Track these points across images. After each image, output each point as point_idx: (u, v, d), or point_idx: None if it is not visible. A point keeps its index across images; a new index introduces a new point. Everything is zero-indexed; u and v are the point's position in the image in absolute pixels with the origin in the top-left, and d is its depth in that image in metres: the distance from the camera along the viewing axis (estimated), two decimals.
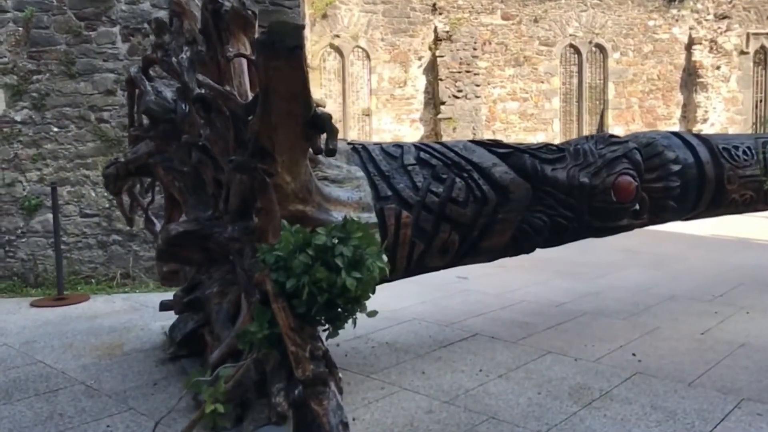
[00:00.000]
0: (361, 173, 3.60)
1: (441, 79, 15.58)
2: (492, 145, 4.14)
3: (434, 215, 3.74)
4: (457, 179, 3.85)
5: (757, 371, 3.97)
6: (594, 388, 3.71)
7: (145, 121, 3.96)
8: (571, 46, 16.62)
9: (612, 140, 4.48)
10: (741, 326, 4.96)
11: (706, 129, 16.38)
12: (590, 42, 16.58)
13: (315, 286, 2.26)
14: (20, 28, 6.26)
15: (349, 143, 3.84)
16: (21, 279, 6.45)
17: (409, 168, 3.78)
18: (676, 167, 4.54)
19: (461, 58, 15.68)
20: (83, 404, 3.49)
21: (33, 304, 5.80)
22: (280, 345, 2.38)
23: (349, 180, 3.51)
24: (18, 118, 6.35)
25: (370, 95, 16.11)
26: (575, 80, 16.84)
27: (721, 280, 6.71)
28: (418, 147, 3.96)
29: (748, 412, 3.37)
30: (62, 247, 6.17)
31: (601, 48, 16.70)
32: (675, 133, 4.89)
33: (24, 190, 6.43)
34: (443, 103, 15.61)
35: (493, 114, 16.45)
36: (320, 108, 2.45)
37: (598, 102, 16.99)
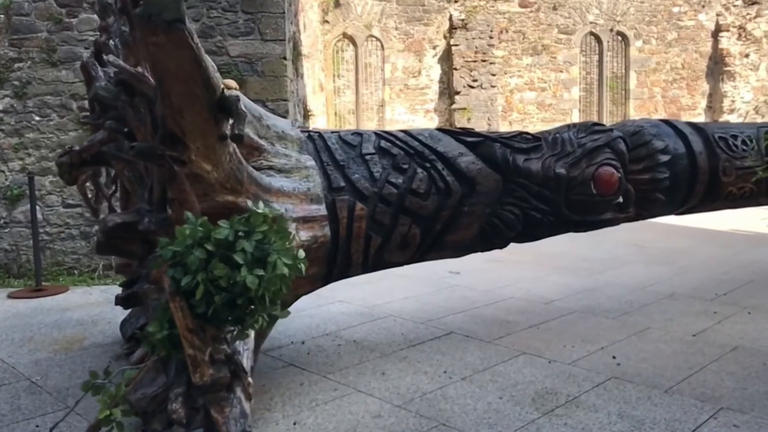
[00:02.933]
0: (311, 162, 3.40)
1: (456, 69, 15.29)
2: (461, 134, 3.91)
3: (392, 208, 3.53)
4: (419, 170, 3.63)
5: (744, 378, 3.68)
6: (561, 394, 3.47)
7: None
8: (592, 34, 16.15)
9: (595, 129, 4.20)
10: (738, 328, 4.65)
11: (732, 119, 15.78)
12: (611, 30, 16.08)
13: (213, 284, 2.08)
14: (1, 15, 6.20)
15: (303, 131, 3.64)
16: (4, 270, 6.42)
17: (367, 157, 3.58)
18: (664, 157, 4.25)
19: (477, 47, 15.35)
20: (21, 402, 3.38)
21: (10, 296, 5.75)
22: (180, 347, 2.20)
23: (298, 170, 3.32)
24: (0, 107, 6.31)
25: (383, 85, 15.88)
26: (595, 69, 16.36)
27: (728, 278, 6.36)
28: (380, 135, 3.75)
29: (724, 423, 3.10)
30: (45, 237, 6.11)
31: (622, 36, 16.19)
32: (666, 121, 4.58)
33: (6, 179, 6.40)
34: (458, 93, 15.31)
35: (510, 104, 16.09)
36: (231, 90, 2.26)
37: (619, 92, 16.49)
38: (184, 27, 1.89)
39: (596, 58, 16.32)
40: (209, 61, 2.15)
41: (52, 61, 6.19)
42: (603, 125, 4.31)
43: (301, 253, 2.36)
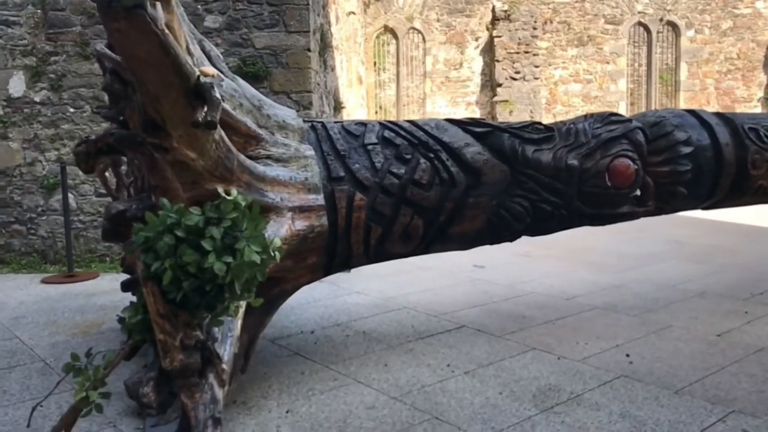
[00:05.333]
0: (311, 152, 3.39)
1: (498, 61, 15.08)
2: (468, 124, 3.83)
3: (394, 198, 3.49)
4: (422, 160, 3.58)
5: (764, 381, 3.50)
6: (564, 391, 3.37)
7: None
8: (640, 24, 15.65)
9: (612, 119, 4.05)
10: None
11: None
12: (661, 19, 15.54)
13: (181, 270, 2.09)
14: (38, 11, 6.42)
15: (306, 120, 3.64)
16: (41, 256, 6.68)
17: (369, 147, 3.54)
18: (686, 149, 4.07)
19: (520, 39, 15.08)
20: (31, 382, 3.50)
21: (44, 281, 5.98)
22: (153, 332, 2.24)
23: (296, 159, 3.32)
24: (37, 99, 6.55)
25: (424, 78, 15.78)
26: (644, 61, 15.85)
27: None
28: (384, 125, 3.71)
29: (733, 427, 2.96)
30: (79, 225, 6.32)
31: (673, 25, 15.62)
32: (692, 111, 4.38)
33: (43, 169, 6.64)
34: (500, 85, 15.10)
35: (554, 96, 15.76)
36: (207, 77, 2.27)
37: (670, 84, 15.93)
38: (145, 13, 1.90)
39: (645, 48, 15.80)
40: (180, 48, 2.16)
41: (85, 54, 6.39)
42: (621, 115, 4.16)
43: (276, 242, 2.35)
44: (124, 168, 4.65)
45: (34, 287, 5.81)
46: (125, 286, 3.84)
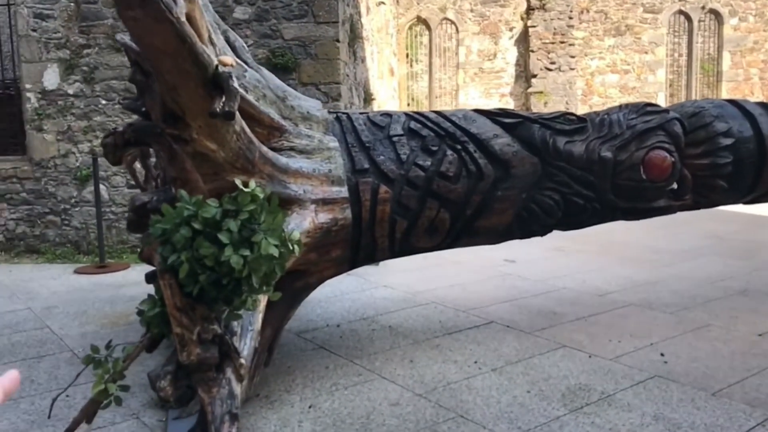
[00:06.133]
0: (335, 144, 3.34)
1: (533, 51, 14.80)
2: (498, 115, 3.72)
3: (419, 191, 3.41)
4: (449, 152, 3.49)
5: None
6: (595, 390, 3.26)
7: None
8: (681, 12, 15.19)
9: (648, 109, 3.90)
10: None
11: None
12: (703, 7, 15.06)
13: (198, 263, 2.06)
14: (72, 4, 6.49)
15: (330, 111, 3.58)
16: (74, 246, 6.78)
17: (395, 139, 3.47)
18: (727, 141, 3.89)
19: (555, 28, 14.78)
20: (59, 372, 3.53)
21: (76, 271, 6.06)
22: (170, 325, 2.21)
23: (320, 151, 3.27)
24: (70, 92, 6.63)
25: (457, 69, 15.60)
26: (684, 50, 15.39)
27: None
28: (410, 116, 3.63)
29: None
30: (111, 216, 6.40)
31: (715, 13, 15.12)
32: (733, 101, 4.19)
33: (77, 161, 6.73)
34: (534, 76, 14.83)
35: (591, 87, 15.43)
36: (225, 67, 2.22)
37: (712, 74, 15.44)
38: (160, 1, 1.86)
39: (686, 37, 15.33)
40: (197, 37, 2.11)
41: (117, 46, 6.42)
42: (657, 106, 4.00)
43: (295, 235, 2.30)
44: (153, 159, 4.66)
45: (66, 277, 5.90)
46: (150, 278, 3.84)
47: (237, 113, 2.49)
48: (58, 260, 6.67)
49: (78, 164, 6.73)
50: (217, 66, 2.18)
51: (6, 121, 7.39)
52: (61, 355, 3.82)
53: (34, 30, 6.66)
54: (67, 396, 3.20)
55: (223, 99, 2.15)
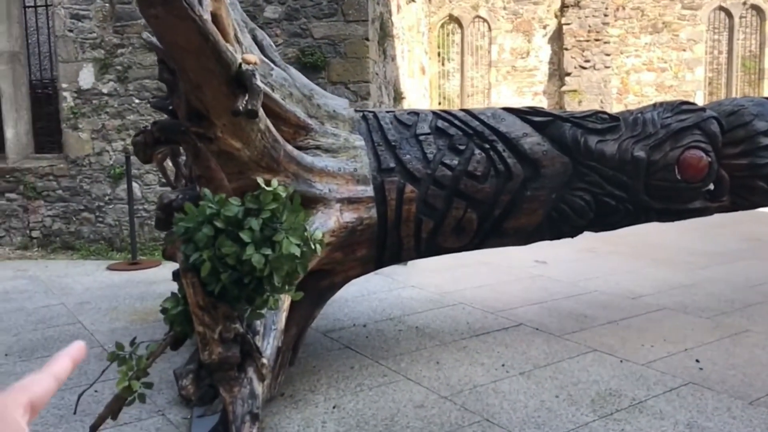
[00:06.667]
0: (360, 143, 3.31)
1: (566, 49, 14.58)
2: (527, 113, 3.65)
3: (446, 190, 3.37)
4: (477, 151, 3.43)
5: None
6: (626, 396, 3.18)
7: None
8: (721, 8, 14.79)
9: (683, 108, 3.78)
10: None
11: None
12: (744, 3, 14.64)
13: (220, 261, 2.05)
14: (106, 4, 6.59)
15: (357, 110, 3.55)
16: (108, 243, 6.89)
17: (422, 138, 3.43)
18: (767, 140, 3.76)
19: (590, 26, 14.53)
20: (88, 367, 3.57)
21: (109, 267, 6.16)
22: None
23: (346, 150, 3.24)
24: (105, 90, 6.74)
25: (489, 67, 15.46)
26: (724, 47, 14.99)
27: None
28: (438, 115, 3.58)
29: None
30: (143, 214, 6.48)
31: (757, 9, 14.70)
32: None
33: (110, 159, 6.84)
34: (568, 74, 14.61)
35: (626, 86, 15.13)
36: (249, 65, 2.21)
37: (753, 72, 15.02)
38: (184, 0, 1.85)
39: (726, 34, 14.93)
40: (219, 35, 2.10)
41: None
42: (693, 104, 3.88)
43: (318, 234, 2.28)
44: (183, 158, 4.70)
45: (99, 273, 6.00)
46: (176, 276, 3.87)
47: (261, 111, 2.49)
48: (92, 257, 6.79)
49: (112, 162, 6.85)
50: (240, 64, 2.17)
51: (44, 120, 7.56)
52: (91, 350, 3.87)
53: (71, 30, 6.79)
54: (96, 391, 3.23)
55: (246, 97, 2.14)
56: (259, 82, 2.17)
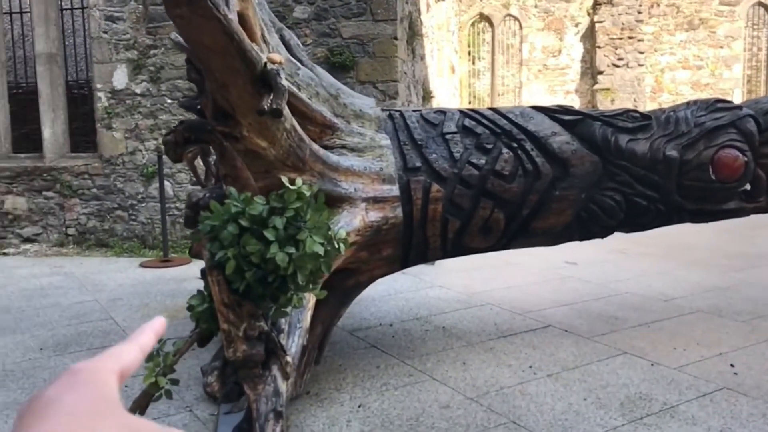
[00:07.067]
0: (386, 141, 3.30)
1: (599, 47, 14.35)
2: (556, 112, 3.60)
3: (473, 190, 3.34)
4: (505, 150, 3.40)
5: None
6: (657, 401, 3.11)
7: None
8: (760, 4, 14.41)
9: (718, 106, 3.69)
10: None
11: None
12: None
13: (245, 259, 2.06)
14: (140, 6, 6.71)
15: (384, 109, 3.54)
16: (140, 240, 7.02)
17: (448, 137, 3.41)
18: None
19: (623, 23, 14.29)
20: None
21: (141, 265, 6.26)
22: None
23: (371, 149, 3.24)
24: (138, 91, 6.86)
25: (520, 66, 15.32)
26: (764, 44, 14.60)
27: None
28: (465, 113, 3.56)
29: None
30: (175, 212, 6.58)
31: None
32: None
33: (143, 158, 6.96)
34: (601, 72, 14.39)
35: (660, 84, 14.84)
36: (274, 64, 2.22)
37: None
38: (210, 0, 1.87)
39: (765, 31, 14.54)
40: (244, 35, 2.12)
41: None
42: (729, 102, 3.78)
43: (342, 233, 2.28)
44: (213, 157, 4.75)
45: (132, 271, 6.10)
46: (204, 273, 3.91)
47: (287, 111, 2.50)
48: (125, 254, 6.91)
49: (144, 161, 6.97)
50: (265, 63, 2.18)
51: (80, 120, 7.72)
52: None
53: (105, 32, 6.92)
54: (126, 386, 3.28)
55: (271, 96, 2.15)
56: (284, 82, 2.17)
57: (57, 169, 7.37)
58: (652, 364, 3.58)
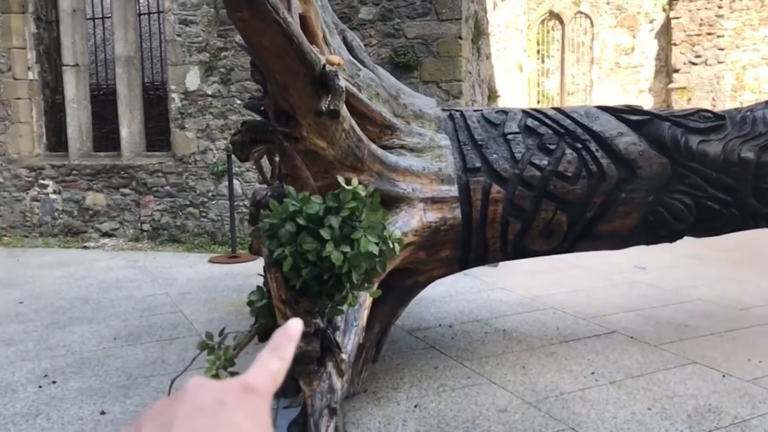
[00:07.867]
0: (446, 142, 3.29)
1: (675, 44, 13.84)
2: (623, 112, 3.49)
3: (535, 191, 3.28)
4: (568, 150, 3.33)
5: None
6: (727, 414, 2.97)
7: None
8: None
9: None
10: None
11: None
12: None
13: (301, 257, 2.10)
14: (212, 9, 6.93)
15: (444, 109, 3.53)
16: (210, 237, 7.25)
17: (510, 137, 3.36)
18: None
19: (702, 19, 13.72)
20: (187, 354, 3.77)
21: (210, 260, 6.47)
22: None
23: (430, 149, 3.23)
24: (209, 92, 7.08)
25: (591, 65, 14.94)
26: None
27: None
28: (527, 113, 3.50)
29: None
30: (244, 210, 6.77)
31: None
32: None
33: (214, 157, 7.19)
34: (677, 70, 13.88)
35: (741, 83, 14.15)
36: (333, 65, 2.25)
37: None
38: (267, 2, 1.91)
39: None
40: (304, 37, 2.15)
41: None
42: None
43: (396, 234, 2.28)
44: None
45: (201, 266, 6.32)
46: (264, 270, 4.00)
47: (345, 112, 2.53)
48: (196, 249, 7.16)
49: (215, 160, 7.20)
50: (324, 65, 2.21)
51: (155, 120, 8.05)
52: (190, 338, 4.08)
53: (179, 35, 7.18)
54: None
55: (329, 97, 2.18)
56: (341, 83, 2.20)
57: (133, 167, 7.71)
58: (723, 376, 3.42)
